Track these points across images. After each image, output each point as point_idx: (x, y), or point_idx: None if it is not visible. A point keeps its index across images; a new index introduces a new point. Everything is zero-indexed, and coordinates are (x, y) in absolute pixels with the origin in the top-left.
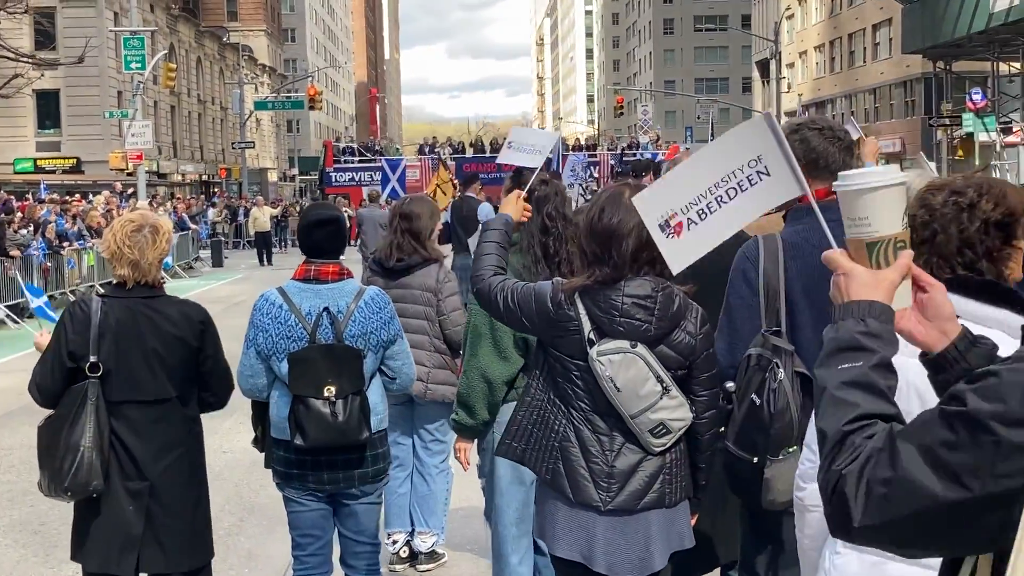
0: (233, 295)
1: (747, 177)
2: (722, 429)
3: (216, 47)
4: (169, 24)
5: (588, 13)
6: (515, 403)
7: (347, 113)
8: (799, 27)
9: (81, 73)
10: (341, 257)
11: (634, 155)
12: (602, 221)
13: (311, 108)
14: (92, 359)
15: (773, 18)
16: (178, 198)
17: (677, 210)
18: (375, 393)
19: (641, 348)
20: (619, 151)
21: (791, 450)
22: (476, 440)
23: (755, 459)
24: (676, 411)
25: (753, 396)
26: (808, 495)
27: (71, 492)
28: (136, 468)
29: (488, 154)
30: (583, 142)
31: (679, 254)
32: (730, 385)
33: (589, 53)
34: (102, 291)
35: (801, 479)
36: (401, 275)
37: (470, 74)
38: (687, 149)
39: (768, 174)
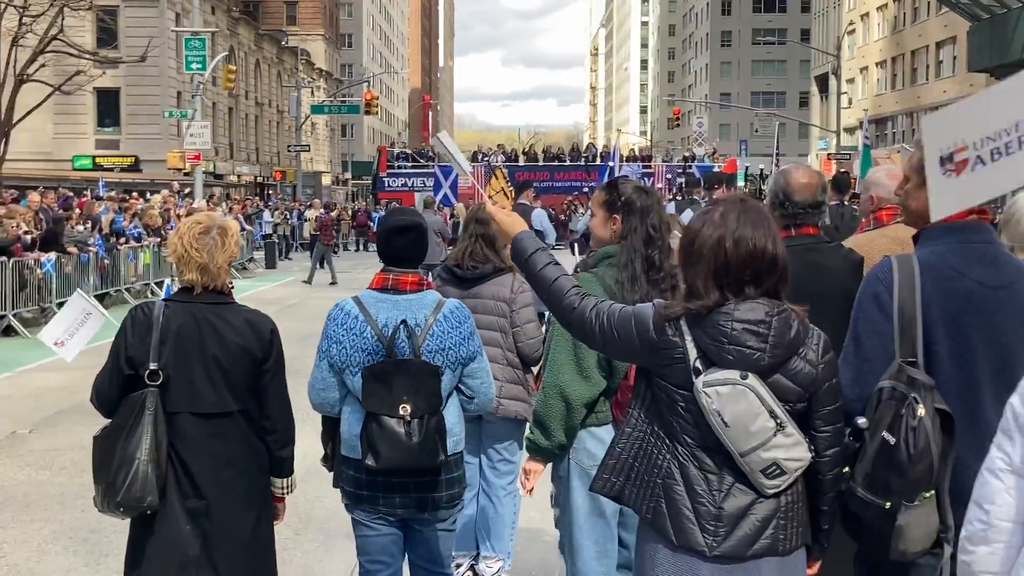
0: (285, 297)
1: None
2: (846, 469)
3: (275, 50)
4: (229, 26)
5: (644, 24)
6: (592, 428)
7: (400, 119)
8: (860, 42)
9: (142, 72)
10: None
11: (689, 168)
12: (699, 237)
13: (367, 113)
14: (152, 366)
15: (834, 33)
16: (234, 199)
17: (968, 144)
18: (452, 413)
19: (752, 379)
20: (675, 163)
21: (928, 495)
22: (550, 464)
23: (887, 504)
24: (792, 450)
25: (885, 434)
26: (977, 559)
27: (124, 508)
28: (193, 485)
29: (541, 163)
30: (637, 153)
31: (948, 197)
32: (862, 421)
33: (644, 64)
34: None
35: (969, 541)
36: (474, 284)
37: (522, 83)
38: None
39: None
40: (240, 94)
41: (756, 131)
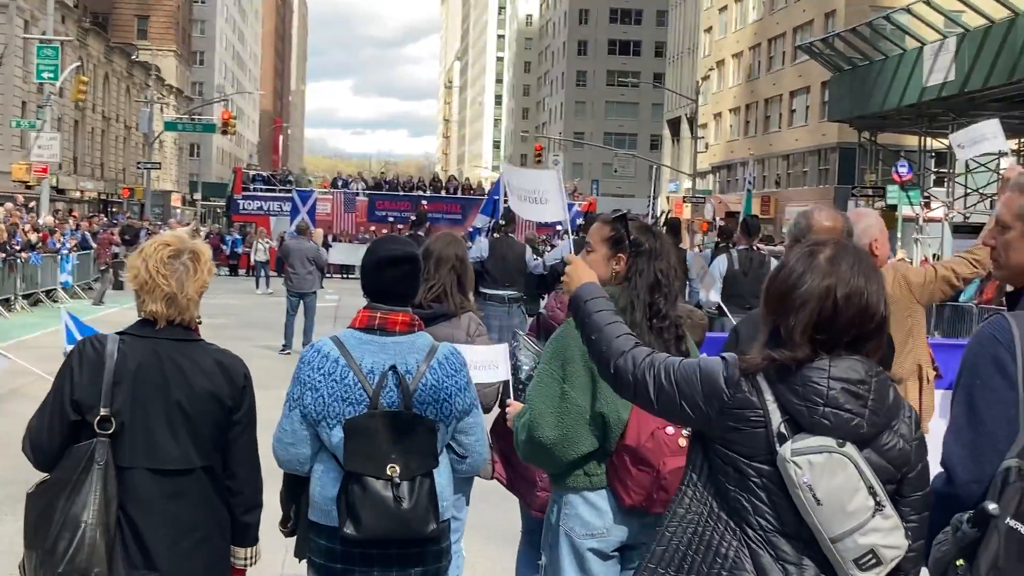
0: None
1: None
2: (959, 562)
3: (124, 64)
4: (79, 37)
5: (500, 59)
6: (585, 492)
7: (250, 141)
8: (715, 88)
9: None
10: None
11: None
12: (804, 282)
13: (224, 133)
14: (103, 412)
15: (689, 77)
16: (74, 215)
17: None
18: (442, 475)
19: (851, 448)
20: None
21: None
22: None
23: None
24: (891, 535)
25: (1013, 521)
26: None
27: None
28: (145, 555)
29: (402, 193)
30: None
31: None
32: (993, 507)
33: (498, 99)
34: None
35: None
36: (426, 325)
37: (375, 111)
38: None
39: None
40: (87, 107)
41: (615, 171)
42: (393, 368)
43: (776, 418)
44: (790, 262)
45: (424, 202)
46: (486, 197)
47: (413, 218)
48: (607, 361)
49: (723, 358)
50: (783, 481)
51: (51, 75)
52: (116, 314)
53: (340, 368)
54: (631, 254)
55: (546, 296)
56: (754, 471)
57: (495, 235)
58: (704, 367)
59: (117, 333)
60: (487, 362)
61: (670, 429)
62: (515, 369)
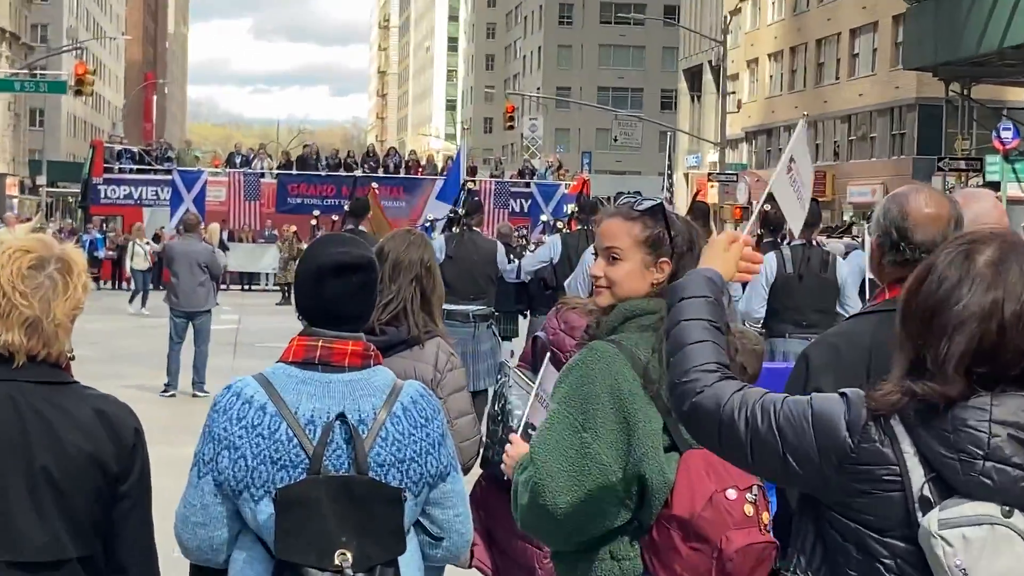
0: None
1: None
2: None
3: None
4: None
5: None
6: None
7: (113, 105)
8: (749, 26)
9: None
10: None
11: (526, 184)
12: (960, 296)
13: (78, 93)
14: None
15: (713, 11)
16: None
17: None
18: (411, 564)
19: (1019, 517)
20: (507, 179)
21: None
22: None
23: None
24: None
25: None
26: None
27: None
28: None
29: (324, 173)
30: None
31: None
32: None
33: (453, 44)
34: None
35: None
36: (383, 354)
37: (283, 62)
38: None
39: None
40: None
41: (615, 140)
42: (341, 417)
43: (918, 476)
44: (939, 266)
45: (374, 184)
46: (442, 177)
47: (346, 207)
48: (682, 393)
49: (844, 395)
50: (926, 563)
51: None
52: None
53: (268, 418)
54: (675, 256)
55: (528, 313)
56: (886, 549)
57: (455, 230)
58: (818, 407)
59: None
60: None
61: (731, 492)
62: (501, 414)
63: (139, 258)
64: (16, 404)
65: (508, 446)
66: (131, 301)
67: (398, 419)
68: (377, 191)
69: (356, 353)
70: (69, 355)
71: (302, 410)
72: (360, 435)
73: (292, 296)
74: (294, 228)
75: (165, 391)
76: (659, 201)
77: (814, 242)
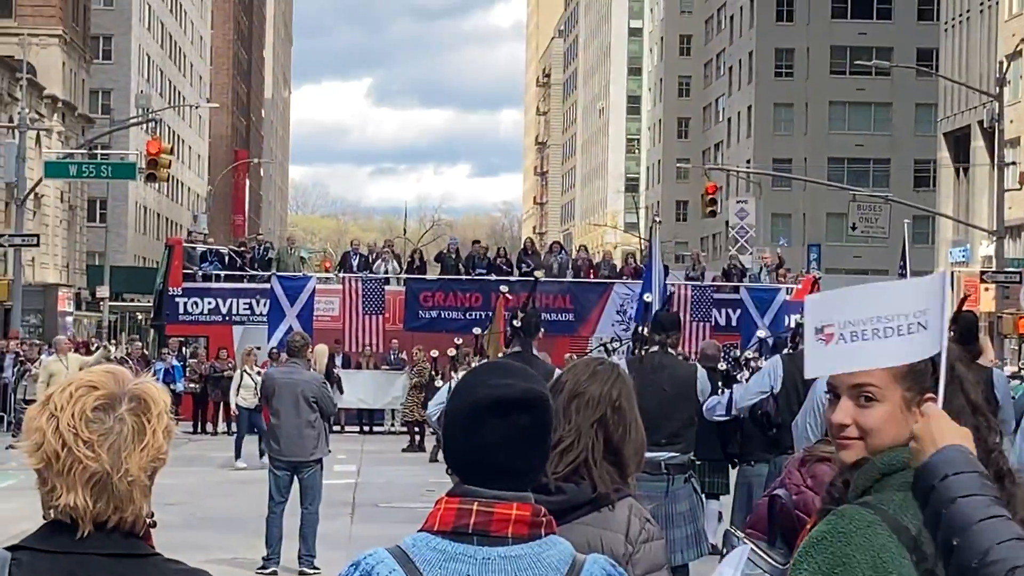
0: (8, 517)
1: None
2: None
3: None
4: None
5: (635, 34)
6: None
7: (195, 192)
8: None
9: None
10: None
11: (734, 289)
12: None
13: (150, 178)
14: None
15: (981, 56)
16: None
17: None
18: None
19: None
20: (708, 282)
21: None
22: None
23: None
24: None
25: None
26: None
27: None
28: None
29: (467, 277)
30: (635, 262)
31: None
32: None
33: (634, 104)
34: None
35: None
36: (557, 521)
37: (413, 133)
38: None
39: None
40: None
41: (852, 228)
42: None
43: None
44: None
45: (503, 288)
46: (621, 281)
47: (515, 322)
48: None
49: None
50: None
51: None
52: None
53: None
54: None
55: (738, 461)
56: None
57: (642, 351)
58: None
59: (8, 548)
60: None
61: None
62: None
63: (246, 393)
64: None
65: None
66: (238, 454)
67: None
68: (509, 298)
69: (522, 520)
70: (149, 520)
71: None
72: None
73: (427, 441)
74: (432, 352)
75: (264, 567)
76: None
77: None
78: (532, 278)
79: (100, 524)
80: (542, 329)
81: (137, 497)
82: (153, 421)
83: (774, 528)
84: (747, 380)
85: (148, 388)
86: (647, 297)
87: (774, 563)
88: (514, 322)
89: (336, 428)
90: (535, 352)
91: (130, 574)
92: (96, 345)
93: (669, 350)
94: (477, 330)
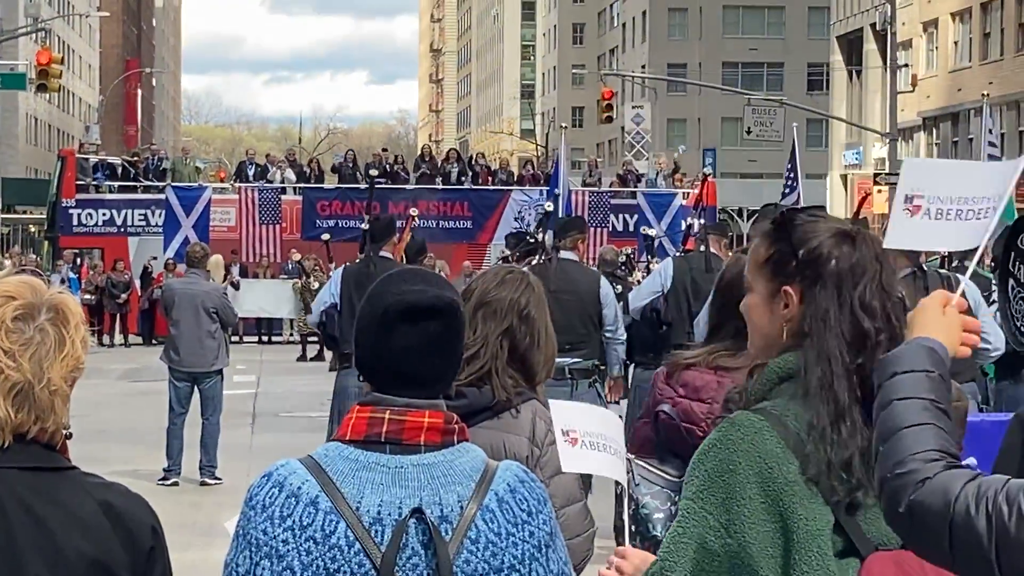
0: None
1: (985, 209)
2: None
3: None
4: None
5: None
6: None
7: (86, 102)
8: None
9: None
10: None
11: (631, 195)
12: None
13: (41, 88)
14: None
15: None
16: None
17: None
18: None
19: None
20: (607, 188)
21: None
22: None
23: None
24: None
25: None
26: None
27: None
28: None
29: (364, 185)
30: (533, 168)
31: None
32: None
33: (529, 10)
34: None
35: None
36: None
37: (308, 41)
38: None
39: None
40: None
41: (748, 132)
42: (418, 514)
43: None
44: None
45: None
46: (519, 188)
47: (363, 226)
48: (898, 490)
49: None
50: None
51: None
52: None
53: (322, 516)
54: (806, 281)
55: (637, 364)
56: None
57: (545, 258)
58: None
59: None
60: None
61: None
62: (635, 523)
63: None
64: (21, 501)
65: (618, 560)
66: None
67: (492, 514)
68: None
69: (435, 427)
70: (65, 432)
71: (366, 505)
72: (443, 537)
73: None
74: (312, 257)
75: (165, 479)
76: (784, 209)
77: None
78: (370, 179)
79: (19, 436)
80: (395, 234)
81: (58, 407)
82: (72, 331)
83: (661, 444)
84: (639, 282)
85: (66, 299)
86: (548, 206)
87: (669, 477)
88: (362, 226)
89: (235, 339)
90: (386, 255)
91: (48, 488)
92: (8, 257)
93: (565, 253)
94: (326, 236)
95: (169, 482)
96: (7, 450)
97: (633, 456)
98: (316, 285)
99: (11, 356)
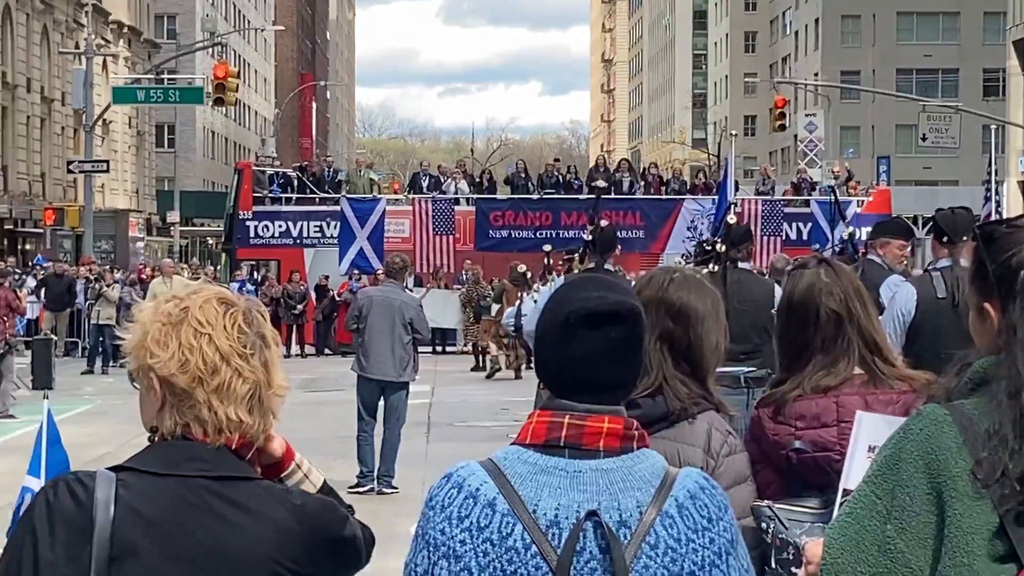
0: (84, 443)
1: None
2: None
3: None
4: None
5: None
6: None
7: (262, 116)
8: None
9: None
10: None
11: (804, 203)
12: None
13: (218, 102)
14: None
15: None
16: None
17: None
18: None
19: None
20: (779, 196)
21: None
22: None
23: None
24: None
25: None
26: None
27: None
28: None
29: (537, 196)
30: (705, 178)
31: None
32: None
33: (700, 19)
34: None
35: None
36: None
37: (483, 53)
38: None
39: None
40: None
41: (923, 139)
42: (594, 517)
43: None
44: None
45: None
46: (692, 198)
47: (586, 236)
48: None
49: None
50: None
51: None
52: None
53: (499, 518)
54: (1000, 296)
55: None
56: None
57: (718, 266)
58: None
59: (112, 469)
60: None
61: None
62: (796, 562)
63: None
64: (187, 505)
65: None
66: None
67: (672, 520)
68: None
69: (614, 433)
70: (251, 435)
71: (543, 508)
72: (620, 541)
73: (489, 361)
74: (476, 268)
75: (358, 486)
76: (983, 223)
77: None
78: (597, 190)
79: (212, 444)
80: (618, 246)
81: (276, 411)
82: (274, 340)
83: (795, 482)
84: None
85: (260, 306)
86: (730, 217)
87: (814, 511)
88: (586, 236)
89: None
90: (610, 267)
91: (238, 497)
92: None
93: (742, 265)
94: (548, 247)
95: (364, 489)
96: (196, 460)
97: (769, 502)
98: (489, 294)
99: (245, 359)
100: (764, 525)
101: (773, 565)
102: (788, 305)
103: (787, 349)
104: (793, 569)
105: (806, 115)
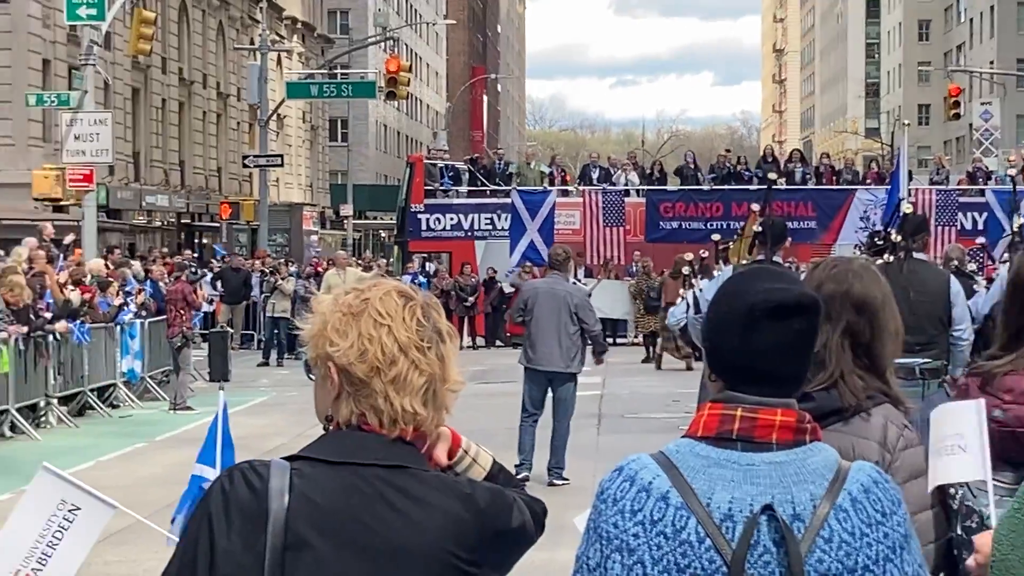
0: (259, 434)
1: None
2: None
3: None
4: None
5: None
6: None
7: (434, 110)
8: None
9: None
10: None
11: (980, 192)
12: None
13: (390, 96)
14: None
15: None
16: (143, 254)
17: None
18: None
19: None
20: (953, 187)
21: None
22: None
23: None
24: None
25: None
26: None
27: None
28: None
29: (708, 188)
30: (877, 168)
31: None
32: None
33: (873, 8)
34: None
35: None
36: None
37: (654, 45)
38: None
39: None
40: (153, 65)
41: None
42: (769, 511)
43: None
44: None
45: (754, 206)
46: (864, 187)
47: (756, 228)
48: None
49: None
50: None
51: (93, 13)
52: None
53: (673, 512)
54: None
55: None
56: None
57: (893, 257)
58: None
59: (288, 459)
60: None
61: None
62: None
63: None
64: (361, 494)
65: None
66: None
67: (846, 514)
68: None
69: (787, 425)
70: (424, 428)
71: (716, 501)
72: (795, 535)
73: (660, 351)
74: (646, 260)
75: (515, 475)
76: None
77: None
78: (768, 181)
79: (398, 435)
80: (788, 238)
81: (448, 406)
82: (449, 333)
83: (992, 454)
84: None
85: (434, 301)
86: (906, 207)
87: (1006, 485)
88: (756, 228)
89: None
90: (778, 260)
91: (411, 487)
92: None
93: (918, 255)
94: (716, 236)
95: (519, 477)
96: (370, 448)
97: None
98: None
99: (422, 352)
100: (953, 490)
101: (959, 531)
102: (1015, 283)
103: (1008, 325)
104: (975, 539)
105: (981, 103)
